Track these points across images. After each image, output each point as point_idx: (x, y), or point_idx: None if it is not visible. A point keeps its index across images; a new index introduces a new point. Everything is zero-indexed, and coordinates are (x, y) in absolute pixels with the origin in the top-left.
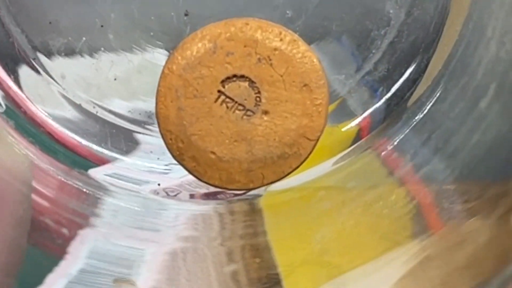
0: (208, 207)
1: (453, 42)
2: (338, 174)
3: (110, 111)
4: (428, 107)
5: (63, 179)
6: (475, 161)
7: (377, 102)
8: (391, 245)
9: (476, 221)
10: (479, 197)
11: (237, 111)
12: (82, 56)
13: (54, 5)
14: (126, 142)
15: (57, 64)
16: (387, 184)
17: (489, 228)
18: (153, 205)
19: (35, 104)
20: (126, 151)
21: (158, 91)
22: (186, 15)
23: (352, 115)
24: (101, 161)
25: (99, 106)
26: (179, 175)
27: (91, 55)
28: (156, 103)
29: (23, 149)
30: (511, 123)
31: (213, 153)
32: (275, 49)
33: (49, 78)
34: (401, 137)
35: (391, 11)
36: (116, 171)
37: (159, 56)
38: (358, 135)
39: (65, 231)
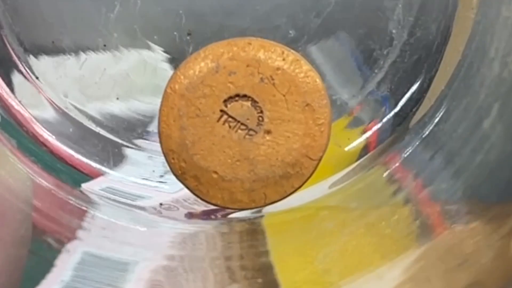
0: (210, 226)
1: (456, 62)
2: (340, 194)
3: (112, 130)
4: (430, 127)
5: (53, 192)
6: (479, 181)
7: (379, 122)
8: (393, 265)
9: (478, 241)
10: (481, 217)
11: (239, 131)
12: (84, 76)
13: (56, 24)
14: (115, 157)
15: (60, 83)
16: (390, 204)
17: (491, 249)
18: (145, 222)
19: (39, 123)
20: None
21: (160, 110)
22: (189, 34)
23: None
24: (95, 174)
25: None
26: (175, 189)
27: (93, 75)
28: (159, 123)
29: (25, 168)
30: None
31: (216, 172)
32: (278, 69)
33: (53, 98)
34: (403, 156)
35: (393, 31)
36: (110, 184)
37: (161, 75)
38: (361, 155)
39: (52, 242)
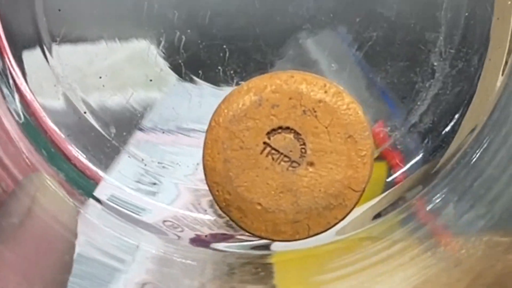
0: (217, 256)
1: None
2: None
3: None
4: (475, 158)
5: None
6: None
7: (422, 153)
8: None
9: None
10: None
11: (282, 163)
12: (114, 94)
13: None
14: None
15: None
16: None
17: None
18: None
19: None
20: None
21: (205, 143)
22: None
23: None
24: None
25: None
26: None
27: (117, 92)
28: (203, 155)
29: (70, 198)
30: None
31: (259, 204)
32: (320, 101)
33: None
34: (446, 187)
35: (435, 64)
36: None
37: (206, 108)
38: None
39: None
